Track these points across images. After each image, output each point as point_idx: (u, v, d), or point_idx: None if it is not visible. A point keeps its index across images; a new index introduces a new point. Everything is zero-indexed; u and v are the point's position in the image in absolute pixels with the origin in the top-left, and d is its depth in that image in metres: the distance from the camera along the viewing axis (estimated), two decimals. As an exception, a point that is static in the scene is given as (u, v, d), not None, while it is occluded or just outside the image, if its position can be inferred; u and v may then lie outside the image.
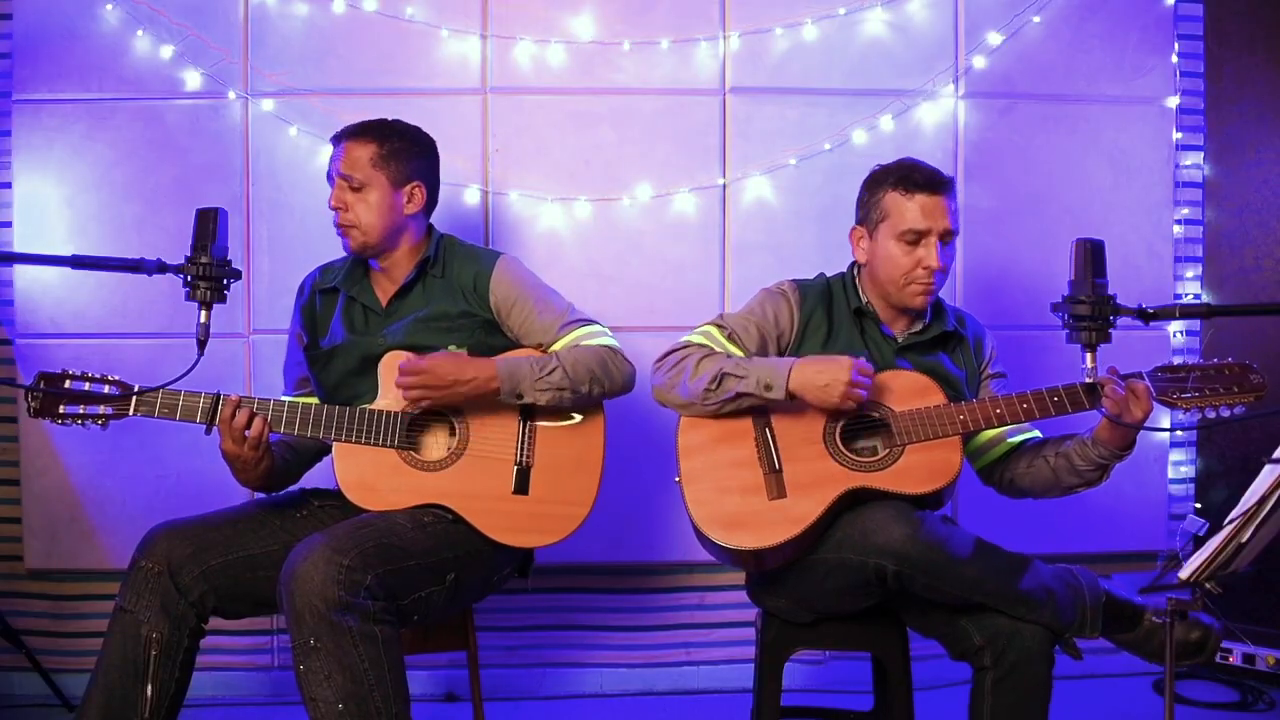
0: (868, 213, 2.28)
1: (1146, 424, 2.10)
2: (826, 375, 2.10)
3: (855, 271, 2.36)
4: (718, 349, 2.25)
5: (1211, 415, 2.13)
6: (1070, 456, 2.19)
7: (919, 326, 2.33)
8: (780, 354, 2.29)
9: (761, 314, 2.30)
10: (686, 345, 2.26)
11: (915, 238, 2.22)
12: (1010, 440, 2.31)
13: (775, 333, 2.29)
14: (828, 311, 2.31)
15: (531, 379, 2.22)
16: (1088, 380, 1.95)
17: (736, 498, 2.16)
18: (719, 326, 2.29)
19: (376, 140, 2.29)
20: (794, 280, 2.36)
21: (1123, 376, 2.10)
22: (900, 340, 2.31)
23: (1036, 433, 2.33)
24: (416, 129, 2.37)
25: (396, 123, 2.35)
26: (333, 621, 1.91)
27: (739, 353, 2.26)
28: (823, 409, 2.14)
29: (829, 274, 2.41)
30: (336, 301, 2.38)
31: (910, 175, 2.24)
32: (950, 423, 2.16)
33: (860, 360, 2.12)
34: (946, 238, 2.24)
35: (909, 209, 2.22)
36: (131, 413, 2.12)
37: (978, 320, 2.43)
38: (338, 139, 2.32)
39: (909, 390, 2.20)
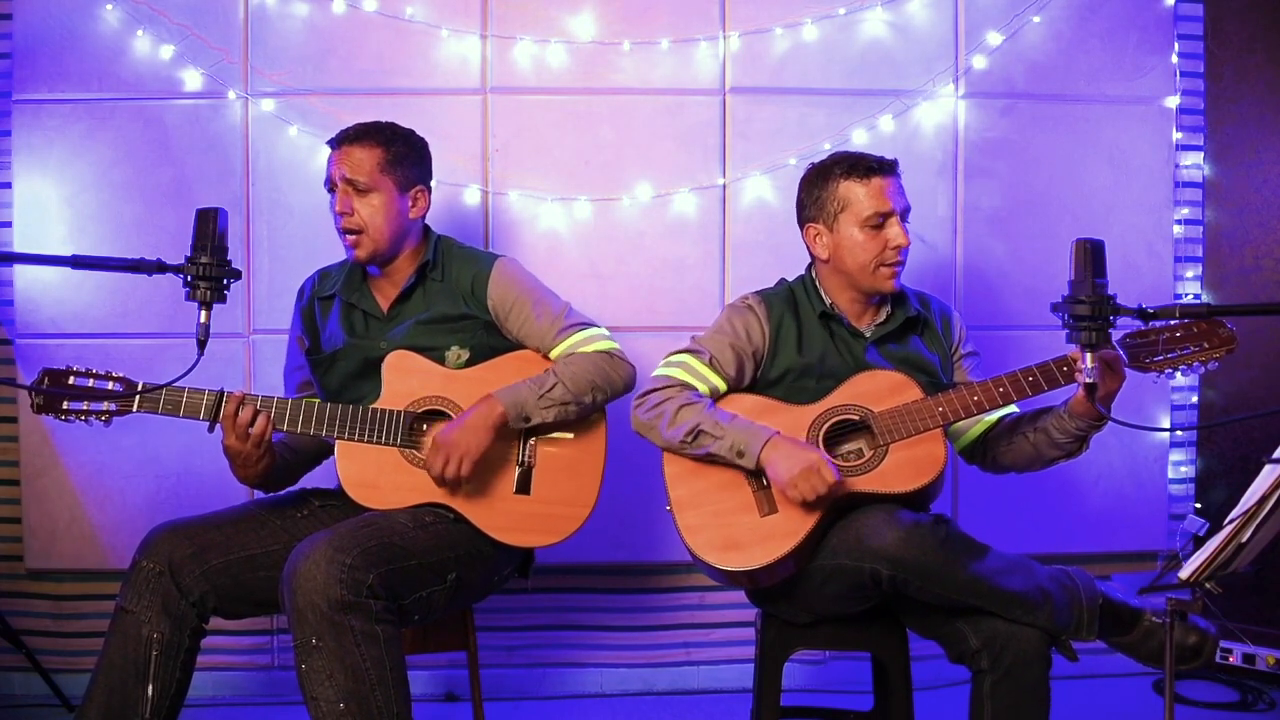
0: (823, 207, 2.27)
1: (1148, 425, 2.10)
2: (793, 463, 2.08)
3: (814, 272, 2.36)
4: (698, 381, 2.24)
5: (1187, 373, 2.12)
6: (1048, 431, 2.20)
7: (883, 317, 2.32)
8: (757, 368, 2.29)
9: (733, 332, 2.29)
10: (668, 385, 2.24)
11: (881, 220, 2.23)
12: (988, 419, 2.31)
13: (750, 349, 2.28)
14: (795, 317, 2.31)
15: (534, 400, 2.21)
16: (1088, 381, 1.94)
17: (729, 519, 2.16)
18: (695, 353, 2.28)
19: (382, 145, 2.27)
20: (757, 292, 2.36)
21: None
22: (869, 335, 2.31)
23: (1013, 407, 2.32)
24: (411, 132, 2.36)
25: (394, 126, 2.33)
26: (335, 621, 1.91)
27: (718, 379, 2.25)
28: (775, 482, 2.12)
29: (789, 279, 2.41)
30: (334, 306, 2.38)
31: (860, 162, 2.25)
32: (930, 416, 2.16)
33: (830, 464, 2.09)
34: (905, 216, 2.26)
35: (868, 194, 2.23)
36: (135, 409, 2.12)
37: (941, 300, 2.43)
38: (336, 143, 2.30)
39: (885, 389, 2.20)
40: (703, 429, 2.16)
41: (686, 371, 2.26)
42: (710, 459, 2.18)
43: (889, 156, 2.29)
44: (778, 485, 2.11)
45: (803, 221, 2.33)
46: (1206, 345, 2.10)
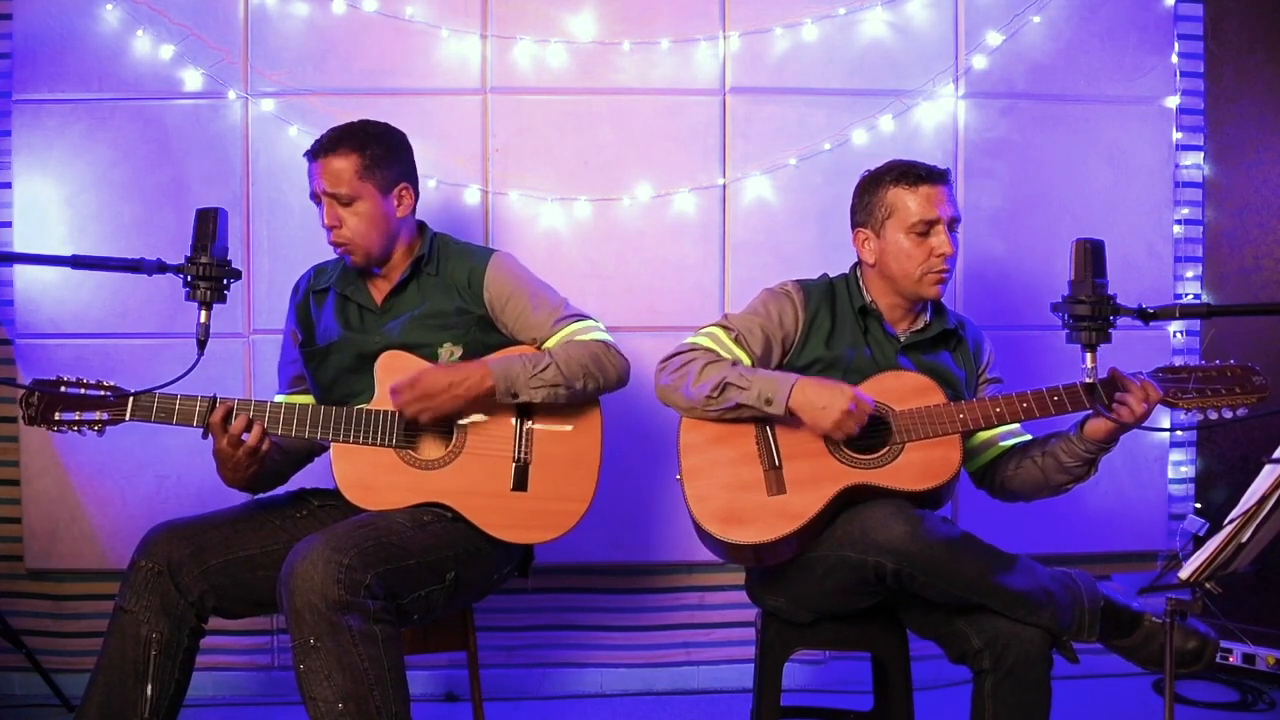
0: (871, 213, 2.29)
1: (1145, 424, 2.11)
2: (825, 399, 2.10)
3: (858, 272, 2.37)
4: (723, 352, 2.25)
5: (1214, 416, 2.12)
6: (1057, 454, 2.20)
7: (921, 325, 2.33)
8: (785, 354, 2.30)
9: (765, 314, 2.30)
10: (693, 348, 2.26)
11: (926, 228, 2.23)
12: (1003, 444, 2.32)
13: (780, 334, 2.29)
14: (831, 310, 2.32)
15: (525, 377, 2.21)
16: (1088, 380, 1.95)
17: (736, 494, 2.17)
18: (724, 328, 2.29)
19: (357, 150, 2.24)
20: (797, 280, 2.37)
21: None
22: (903, 339, 2.31)
23: (1028, 436, 2.34)
24: (387, 126, 2.33)
25: (368, 125, 2.30)
26: (333, 621, 1.91)
27: (743, 355, 2.26)
28: (815, 430, 2.14)
29: (831, 275, 2.42)
30: (329, 299, 2.38)
31: (910, 170, 2.26)
32: (950, 421, 2.16)
33: (861, 392, 2.11)
34: (953, 225, 2.26)
35: (916, 201, 2.23)
36: (128, 418, 2.11)
37: (976, 325, 2.44)
38: (313, 155, 2.27)
39: (910, 389, 2.21)
40: (729, 381, 2.16)
41: (713, 341, 2.27)
42: (737, 413, 2.18)
43: (941, 166, 2.29)
44: (818, 430, 2.11)
45: (853, 226, 2.34)
46: (1239, 391, 2.12)
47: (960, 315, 2.42)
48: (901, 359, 2.29)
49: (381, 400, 2.24)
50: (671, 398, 2.24)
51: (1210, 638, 2.04)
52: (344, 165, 2.24)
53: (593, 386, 2.27)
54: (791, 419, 2.15)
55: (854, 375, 2.25)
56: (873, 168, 2.34)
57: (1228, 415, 2.12)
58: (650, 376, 2.30)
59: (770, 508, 2.14)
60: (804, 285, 2.35)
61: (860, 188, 2.34)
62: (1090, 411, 2.14)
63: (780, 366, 2.31)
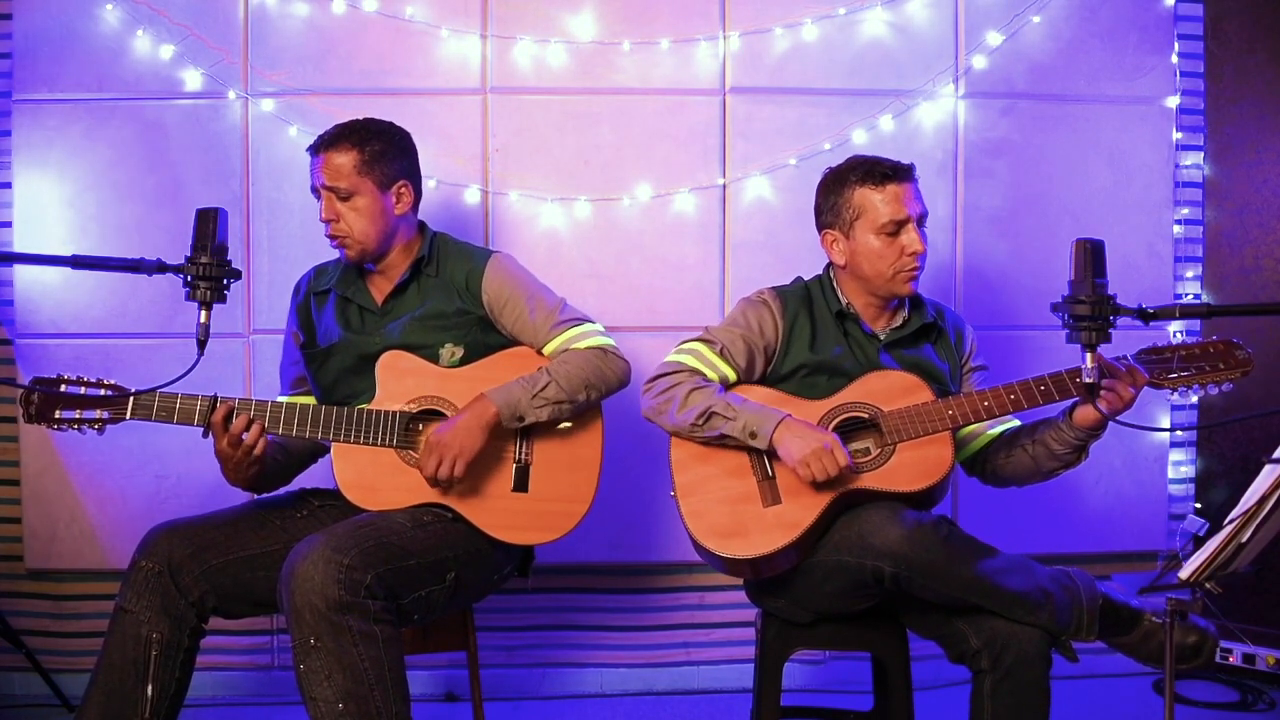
0: (838, 214, 2.27)
1: (1148, 425, 2.10)
2: (806, 442, 2.09)
3: (831, 273, 2.36)
4: (708, 370, 2.25)
5: (1199, 393, 2.12)
6: (1047, 442, 2.20)
7: (899, 321, 2.33)
8: (768, 363, 2.30)
9: (746, 325, 2.30)
10: (678, 370, 2.25)
11: (896, 228, 2.22)
12: (990, 432, 2.32)
13: (762, 343, 2.29)
14: (810, 315, 2.31)
15: (527, 399, 2.21)
16: (1088, 381, 1.94)
17: (731, 507, 2.16)
18: (707, 342, 2.28)
19: (356, 146, 2.25)
20: (773, 288, 2.36)
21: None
22: (883, 338, 2.31)
23: (1016, 422, 2.33)
24: (390, 124, 2.33)
25: (371, 122, 2.31)
26: (333, 621, 1.91)
27: (728, 369, 2.26)
28: (786, 461, 2.12)
29: (806, 277, 2.41)
30: (330, 301, 2.38)
31: (874, 168, 2.25)
32: (939, 418, 2.16)
33: (843, 446, 2.10)
34: (921, 221, 2.25)
35: (883, 201, 2.22)
36: (128, 416, 2.12)
37: (956, 313, 2.44)
38: (314, 150, 2.28)
39: (897, 389, 2.21)
40: (715, 411, 2.16)
41: (697, 358, 2.26)
42: (721, 441, 2.18)
43: (905, 161, 2.28)
44: (790, 464, 2.10)
45: (819, 227, 2.33)
46: (1222, 366, 2.12)
47: (938, 304, 2.41)
48: (884, 357, 2.29)
49: (382, 400, 2.24)
50: (656, 420, 2.25)
51: (1210, 632, 2.04)
52: (343, 160, 2.24)
53: (595, 396, 2.27)
54: (771, 453, 2.15)
55: (840, 377, 2.24)
56: (833, 165, 2.32)
57: (1214, 391, 2.12)
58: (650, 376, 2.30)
59: (767, 518, 2.14)
60: (780, 292, 2.35)
61: (824, 187, 2.32)
62: (1078, 398, 2.14)
63: (765, 375, 2.30)
